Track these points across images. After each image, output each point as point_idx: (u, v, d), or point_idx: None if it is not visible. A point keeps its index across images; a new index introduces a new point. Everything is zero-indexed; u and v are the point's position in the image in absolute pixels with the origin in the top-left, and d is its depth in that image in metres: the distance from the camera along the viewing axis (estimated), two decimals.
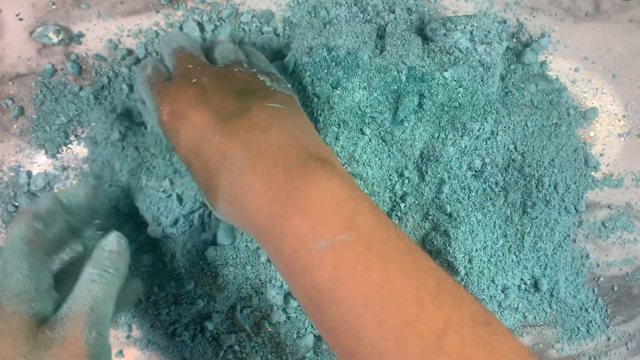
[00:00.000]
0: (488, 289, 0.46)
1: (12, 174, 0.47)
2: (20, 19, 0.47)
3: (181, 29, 0.48)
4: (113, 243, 0.35)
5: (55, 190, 0.40)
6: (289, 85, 0.40)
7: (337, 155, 0.42)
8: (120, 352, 0.48)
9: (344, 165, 0.42)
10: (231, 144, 0.33)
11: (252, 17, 0.48)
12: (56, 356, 0.31)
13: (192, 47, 0.40)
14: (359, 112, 0.43)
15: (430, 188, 0.45)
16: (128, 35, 0.48)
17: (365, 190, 0.43)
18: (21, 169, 0.47)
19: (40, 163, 0.48)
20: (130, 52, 0.48)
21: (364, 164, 0.43)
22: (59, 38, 0.47)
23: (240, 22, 0.48)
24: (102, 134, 0.43)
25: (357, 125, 0.43)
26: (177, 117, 0.35)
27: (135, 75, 0.42)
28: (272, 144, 0.32)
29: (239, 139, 0.33)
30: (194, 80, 0.36)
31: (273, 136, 0.33)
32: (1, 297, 0.32)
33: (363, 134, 0.43)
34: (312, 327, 0.47)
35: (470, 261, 0.45)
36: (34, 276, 0.33)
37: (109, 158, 0.42)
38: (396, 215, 0.45)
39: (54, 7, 0.47)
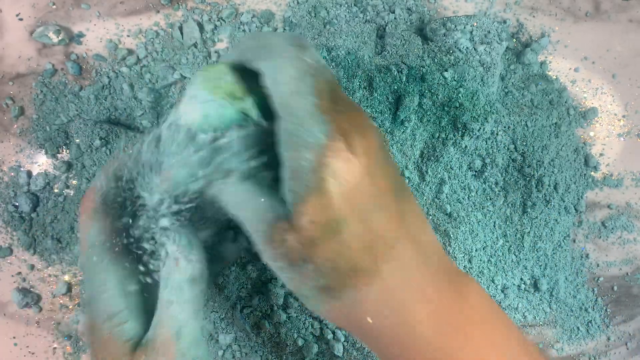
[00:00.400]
0: (488, 289, 0.46)
1: (12, 174, 0.48)
2: (21, 19, 0.47)
3: (181, 31, 0.48)
4: (173, 248, 0.29)
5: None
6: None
7: None
8: None
9: None
10: (403, 232, 0.27)
11: (252, 17, 0.48)
12: None
13: None
14: None
15: (430, 188, 0.45)
16: (128, 35, 0.48)
17: None
18: (21, 169, 0.47)
19: (40, 163, 0.48)
20: (130, 52, 0.48)
21: None
22: (59, 38, 0.47)
23: (240, 22, 0.48)
24: (84, 143, 0.42)
25: None
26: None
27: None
28: (435, 248, 0.28)
29: (408, 230, 0.27)
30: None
31: (430, 237, 0.29)
32: (95, 319, 0.29)
33: None
34: (312, 332, 0.47)
35: (470, 261, 0.45)
36: (123, 293, 0.29)
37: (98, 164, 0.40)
38: None
39: (54, 7, 0.47)
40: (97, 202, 0.30)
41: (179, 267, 0.28)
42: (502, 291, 0.47)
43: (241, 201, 0.27)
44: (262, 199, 0.27)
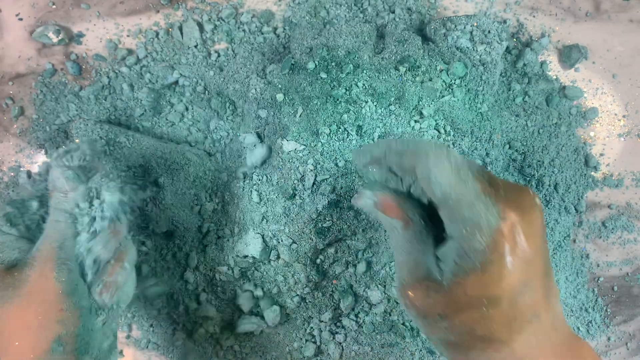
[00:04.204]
0: None
1: (12, 173, 0.47)
2: (20, 19, 0.47)
3: (181, 31, 0.48)
4: (62, 183, 0.35)
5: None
6: None
7: (335, 152, 0.43)
8: (120, 352, 0.48)
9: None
10: (544, 307, 0.29)
11: (252, 17, 0.48)
12: (26, 294, 0.31)
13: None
14: (359, 112, 0.43)
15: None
16: (128, 35, 0.48)
17: None
18: (21, 169, 0.47)
19: (40, 163, 0.48)
20: (130, 52, 0.48)
21: None
22: (59, 38, 0.47)
23: (240, 22, 0.48)
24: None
25: (357, 124, 0.43)
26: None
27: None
28: (562, 317, 0.31)
29: (548, 305, 0.29)
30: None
31: (560, 305, 0.31)
32: None
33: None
34: (311, 334, 0.47)
35: None
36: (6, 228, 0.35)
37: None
38: None
39: (54, 7, 0.47)
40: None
41: (68, 197, 0.34)
42: None
43: (401, 245, 0.31)
44: (419, 248, 0.30)
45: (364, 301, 0.46)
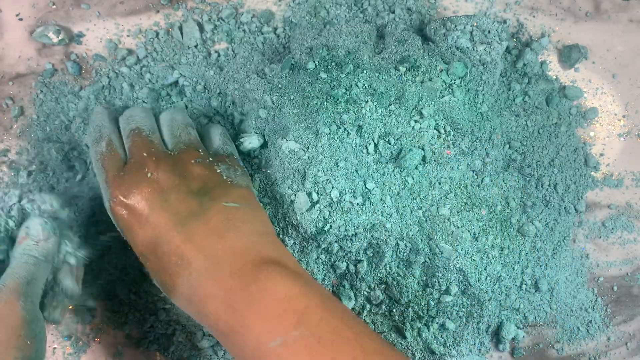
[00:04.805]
0: (492, 290, 0.46)
1: (12, 173, 0.47)
2: (20, 19, 0.47)
3: (181, 30, 0.48)
4: (38, 231, 0.37)
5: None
6: (245, 170, 0.42)
7: (336, 152, 0.43)
8: (120, 353, 0.48)
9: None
10: (189, 251, 0.35)
11: (252, 17, 0.48)
12: None
13: (149, 126, 0.40)
14: (359, 112, 0.43)
15: (432, 192, 0.45)
16: (128, 35, 0.48)
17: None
18: (21, 169, 0.47)
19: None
20: (130, 52, 0.48)
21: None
22: (59, 38, 0.47)
23: (240, 22, 0.48)
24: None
25: (357, 124, 0.43)
26: (132, 213, 0.36)
27: (88, 138, 0.41)
28: (227, 251, 0.35)
29: (196, 246, 0.35)
30: (150, 175, 0.37)
31: (229, 242, 0.35)
32: None
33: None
34: None
35: (471, 262, 0.45)
36: None
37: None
38: None
39: (54, 7, 0.47)
40: None
41: (39, 246, 0.37)
42: (504, 291, 0.47)
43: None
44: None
45: (365, 300, 0.46)
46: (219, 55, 0.48)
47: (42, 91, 0.47)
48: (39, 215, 0.39)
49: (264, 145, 0.45)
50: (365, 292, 0.46)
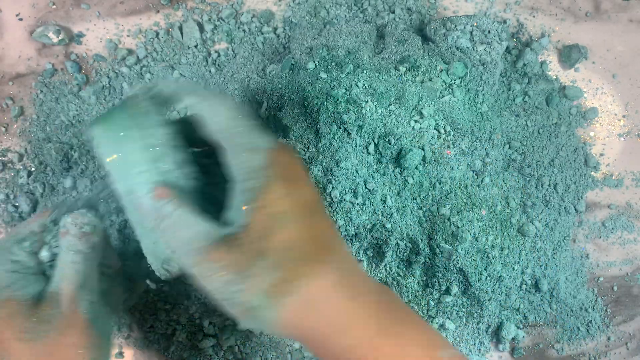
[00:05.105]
0: (492, 291, 0.46)
1: (12, 174, 0.47)
2: (20, 19, 0.47)
3: (181, 30, 0.48)
4: (77, 224, 0.35)
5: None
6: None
7: (336, 152, 0.43)
8: (121, 354, 0.48)
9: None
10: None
11: (252, 17, 0.48)
12: (59, 327, 0.33)
13: None
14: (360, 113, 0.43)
15: (431, 190, 0.45)
16: (128, 35, 0.48)
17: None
18: (21, 169, 0.47)
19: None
20: (130, 52, 0.48)
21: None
22: (59, 38, 0.47)
23: (240, 22, 0.48)
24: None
25: (357, 124, 0.43)
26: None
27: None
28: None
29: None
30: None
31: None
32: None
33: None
34: None
35: (471, 262, 0.45)
36: (20, 269, 0.35)
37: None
38: None
39: (54, 7, 0.47)
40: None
41: (81, 241, 0.35)
42: (504, 291, 0.47)
43: (174, 225, 0.29)
44: (201, 220, 0.29)
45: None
46: (219, 56, 0.48)
47: (42, 91, 0.47)
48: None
49: None
50: None
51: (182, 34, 0.48)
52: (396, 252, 0.44)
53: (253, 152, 0.29)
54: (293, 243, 0.28)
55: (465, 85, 0.45)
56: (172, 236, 0.29)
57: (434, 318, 0.45)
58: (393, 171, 0.43)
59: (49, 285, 0.35)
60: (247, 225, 0.28)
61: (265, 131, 0.30)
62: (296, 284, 0.28)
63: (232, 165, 0.29)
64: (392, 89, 0.43)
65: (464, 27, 0.45)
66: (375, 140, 0.43)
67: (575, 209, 0.50)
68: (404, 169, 0.43)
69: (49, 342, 0.33)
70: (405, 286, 0.44)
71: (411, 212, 0.44)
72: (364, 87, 0.43)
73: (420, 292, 0.45)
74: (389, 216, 0.43)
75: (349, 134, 0.43)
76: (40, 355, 0.33)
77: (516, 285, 0.48)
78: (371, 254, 0.44)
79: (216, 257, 0.28)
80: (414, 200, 0.44)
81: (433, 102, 0.44)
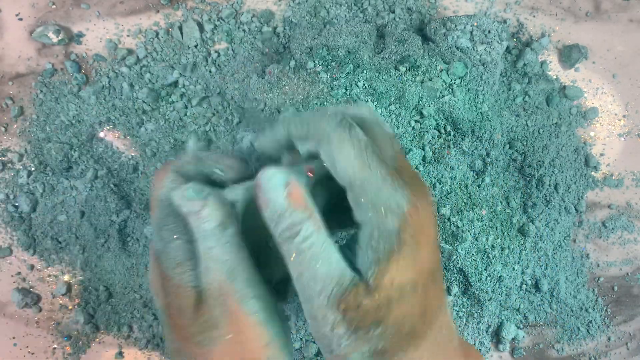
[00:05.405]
0: (492, 291, 0.46)
1: (12, 174, 0.47)
2: (20, 19, 0.47)
3: (181, 30, 0.48)
4: (187, 205, 0.28)
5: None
6: None
7: None
8: (120, 354, 0.48)
9: None
10: None
11: (252, 17, 0.48)
12: (228, 334, 0.28)
13: None
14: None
15: (432, 190, 0.45)
16: (128, 35, 0.48)
17: None
18: (21, 169, 0.47)
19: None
20: (130, 52, 0.48)
21: None
22: (59, 38, 0.47)
23: (240, 22, 0.48)
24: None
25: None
26: None
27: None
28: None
29: None
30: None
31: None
32: (167, 267, 0.29)
33: None
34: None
35: (471, 262, 0.45)
36: (189, 242, 0.29)
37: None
38: None
39: (54, 6, 0.47)
40: (175, 169, 0.30)
41: (202, 217, 0.28)
42: (504, 292, 0.47)
43: (311, 256, 0.26)
44: (337, 257, 0.26)
45: None
46: (219, 55, 0.48)
47: (41, 91, 0.47)
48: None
49: None
50: None
51: (182, 34, 0.48)
52: None
53: (387, 213, 0.26)
54: (406, 319, 0.27)
55: (465, 85, 0.45)
56: (308, 267, 0.26)
57: None
58: None
59: (200, 280, 0.29)
60: (372, 288, 0.26)
61: (398, 182, 0.27)
62: (397, 355, 0.27)
63: (361, 218, 0.27)
64: (392, 89, 0.43)
65: (464, 27, 0.45)
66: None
67: (576, 209, 0.50)
68: None
69: (222, 352, 0.28)
70: None
71: None
72: (364, 87, 0.43)
73: None
74: None
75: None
76: None
77: (516, 285, 0.48)
78: None
79: (342, 309, 0.26)
80: None
81: (433, 102, 0.44)
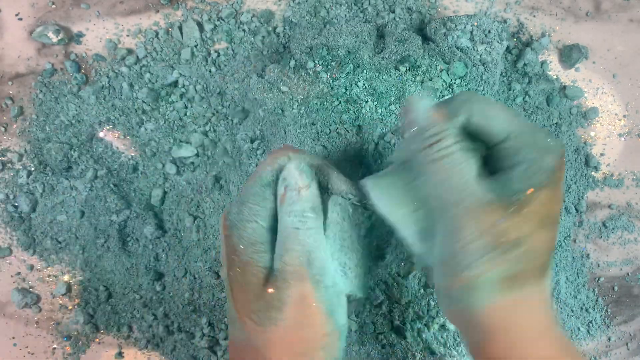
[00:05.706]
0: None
1: (12, 174, 0.47)
2: (20, 19, 0.47)
3: (181, 30, 0.47)
4: (295, 178, 0.30)
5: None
6: None
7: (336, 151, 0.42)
8: (120, 354, 0.48)
9: None
10: None
11: (252, 17, 0.48)
12: (290, 318, 0.29)
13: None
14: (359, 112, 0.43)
15: None
16: (128, 35, 0.48)
17: None
18: (21, 169, 0.47)
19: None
20: (130, 51, 0.48)
21: None
22: (59, 38, 0.47)
23: (240, 22, 0.48)
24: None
25: (356, 124, 0.43)
26: None
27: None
28: None
29: None
30: None
31: None
32: (238, 243, 0.30)
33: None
34: None
35: None
36: (268, 227, 0.30)
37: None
38: None
39: (54, 6, 0.47)
40: (294, 157, 0.32)
41: (301, 196, 0.29)
42: None
43: (452, 162, 0.28)
44: (475, 175, 0.28)
45: (366, 301, 0.45)
46: (218, 55, 0.48)
47: (41, 91, 0.47)
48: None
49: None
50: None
51: (181, 33, 0.47)
52: (396, 252, 0.44)
53: (547, 153, 0.28)
54: (541, 249, 0.28)
55: (465, 85, 0.45)
56: (446, 175, 0.28)
57: (434, 318, 0.45)
58: None
59: (275, 263, 0.29)
60: (519, 209, 0.27)
61: (549, 133, 0.30)
62: (526, 285, 0.28)
63: (516, 160, 0.28)
64: (392, 89, 0.43)
65: (464, 27, 0.45)
66: (375, 140, 0.43)
67: (576, 209, 0.50)
68: None
69: (279, 335, 0.29)
70: (405, 286, 0.44)
71: None
72: (364, 86, 0.43)
73: (420, 292, 0.44)
74: None
75: (348, 133, 0.43)
76: (268, 349, 0.29)
77: None
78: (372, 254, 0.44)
79: (480, 224, 0.27)
80: None
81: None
